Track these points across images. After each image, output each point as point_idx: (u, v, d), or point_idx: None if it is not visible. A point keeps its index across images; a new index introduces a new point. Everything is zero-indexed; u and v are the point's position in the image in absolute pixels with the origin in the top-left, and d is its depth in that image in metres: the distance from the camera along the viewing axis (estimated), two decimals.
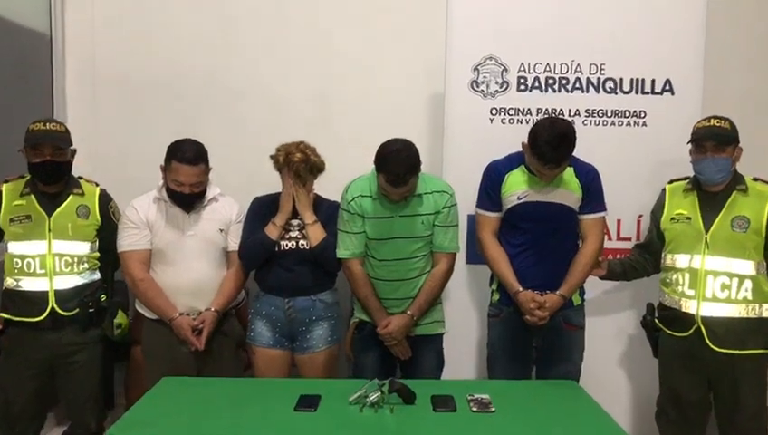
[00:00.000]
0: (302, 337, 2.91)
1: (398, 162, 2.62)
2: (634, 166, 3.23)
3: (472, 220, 3.04)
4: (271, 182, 2.93)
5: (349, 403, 2.30)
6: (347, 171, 2.92)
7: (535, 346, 2.85)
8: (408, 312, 2.81)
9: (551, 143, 2.60)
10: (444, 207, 2.80)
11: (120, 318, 3.07)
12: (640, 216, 3.25)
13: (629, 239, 3.26)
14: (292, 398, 2.35)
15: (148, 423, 2.18)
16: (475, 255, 3.15)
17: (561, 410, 2.33)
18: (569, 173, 2.78)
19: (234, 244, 2.93)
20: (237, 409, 2.29)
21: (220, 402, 2.34)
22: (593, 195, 2.81)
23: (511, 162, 2.85)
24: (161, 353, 2.87)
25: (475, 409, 2.26)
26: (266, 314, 2.91)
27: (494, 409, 2.27)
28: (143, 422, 2.19)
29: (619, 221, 3.26)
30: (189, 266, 2.86)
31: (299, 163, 2.79)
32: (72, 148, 2.82)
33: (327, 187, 2.99)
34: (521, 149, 2.80)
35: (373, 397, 2.27)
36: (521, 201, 2.79)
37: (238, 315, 3.24)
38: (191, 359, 2.86)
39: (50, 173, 2.74)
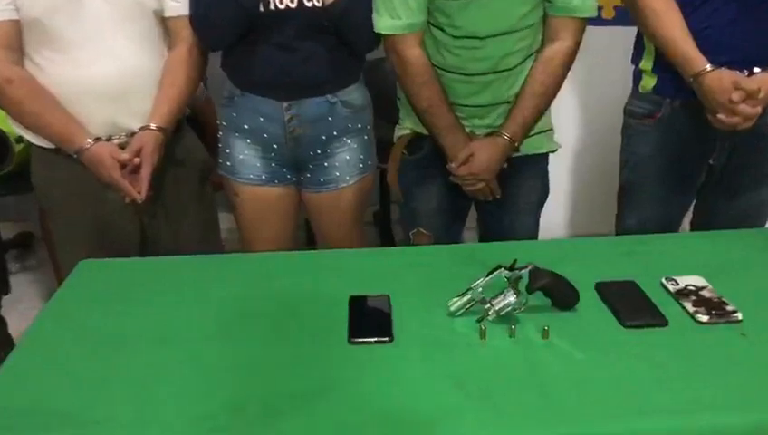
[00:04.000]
0: (316, 166, 1.70)
1: None
2: None
3: None
4: None
5: (449, 314, 1.17)
6: None
7: (712, 164, 1.71)
8: (506, 134, 1.59)
9: None
10: None
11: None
12: None
13: None
14: (329, 299, 1.22)
15: (38, 377, 1.03)
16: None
17: None
18: None
19: (178, 4, 1.57)
20: (228, 339, 1.14)
21: (193, 322, 1.19)
22: None
23: None
24: (72, 210, 1.65)
25: (703, 318, 1.15)
26: (252, 129, 1.66)
27: (738, 314, 1.16)
28: (31, 376, 1.03)
29: None
30: (99, 50, 1.53)
31: None
32: None
33: None
34: None
35: (500, 304, 1.14)
36: None
37: (195, 125, 1.98)
38: (126, 215, 1.66)
39: None
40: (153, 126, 1.59)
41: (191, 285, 1.32)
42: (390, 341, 1.11)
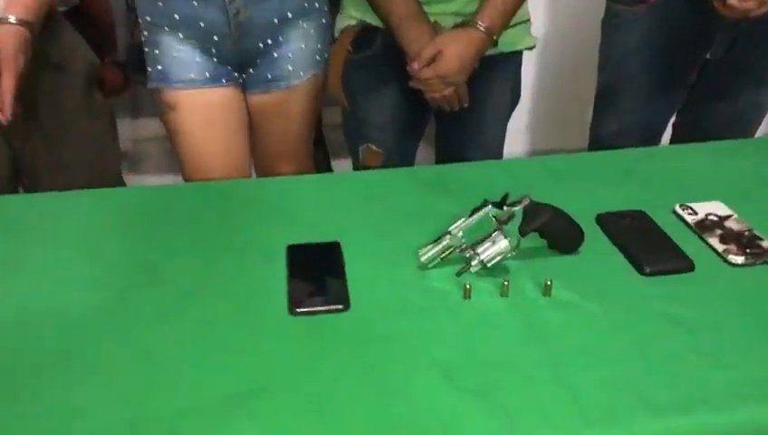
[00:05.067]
0: (264, 60, 1.34)
1: None
2: None
3: None
4: None
5: (420, 266, 0.90)
6: None
7: (708, 59, 1.45)
8: (481, 24, 1.27)
9: None
10: None
11: None
12: None
13: None
14: (260, 249, 0.94)
15: None
16: None
17: None
18: None
19: None
20: (122, 317, 0.83)
21: (71, 294, 0.88)
22: None
23: None
24: None
25: (737, 259, 0.92)
26: (184, 19, 1.28)
27: None
28: None
29: None
30: None
31: None
32: None
33: None
34: None
35: (488, 253, 0.87)
36: None
37: (84, 19, 1.59)
38: None
39: None
40: (12, 19, 1.19)
41: (76, 234, 1.00)
42: (345, 308, 0.83)
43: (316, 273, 0.88)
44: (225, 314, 0.82)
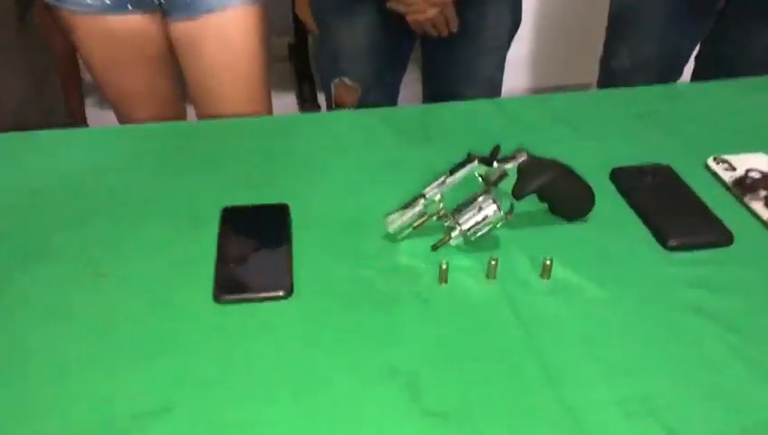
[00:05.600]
0: None
1: None
2: None
3: None
4: None
5: (386, 236, 0.71)
6: None
7: None
8: None
9: None
10: None
11: None
12: None
13: None
14: (188, 212, 0.74)
15: None
16: None
17: None
18: None
19: None
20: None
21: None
22: None
23: None
24: None
25: None
26: None
27: None
28: None
29: None
30: None
31: None
32: None
33: None
34: None
35: (471, 221, 0.68)
36: None
37: None
38: None
39: None
40: None
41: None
42: (287, 295, 0.65)
43: (254, 245, 0.70)
44: (131, 301, 0.64)
